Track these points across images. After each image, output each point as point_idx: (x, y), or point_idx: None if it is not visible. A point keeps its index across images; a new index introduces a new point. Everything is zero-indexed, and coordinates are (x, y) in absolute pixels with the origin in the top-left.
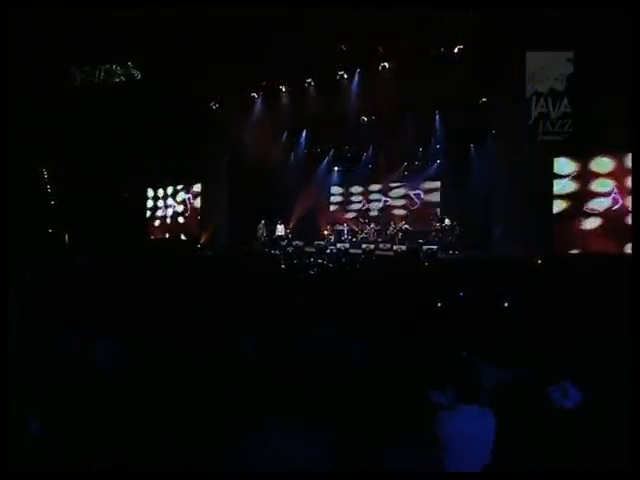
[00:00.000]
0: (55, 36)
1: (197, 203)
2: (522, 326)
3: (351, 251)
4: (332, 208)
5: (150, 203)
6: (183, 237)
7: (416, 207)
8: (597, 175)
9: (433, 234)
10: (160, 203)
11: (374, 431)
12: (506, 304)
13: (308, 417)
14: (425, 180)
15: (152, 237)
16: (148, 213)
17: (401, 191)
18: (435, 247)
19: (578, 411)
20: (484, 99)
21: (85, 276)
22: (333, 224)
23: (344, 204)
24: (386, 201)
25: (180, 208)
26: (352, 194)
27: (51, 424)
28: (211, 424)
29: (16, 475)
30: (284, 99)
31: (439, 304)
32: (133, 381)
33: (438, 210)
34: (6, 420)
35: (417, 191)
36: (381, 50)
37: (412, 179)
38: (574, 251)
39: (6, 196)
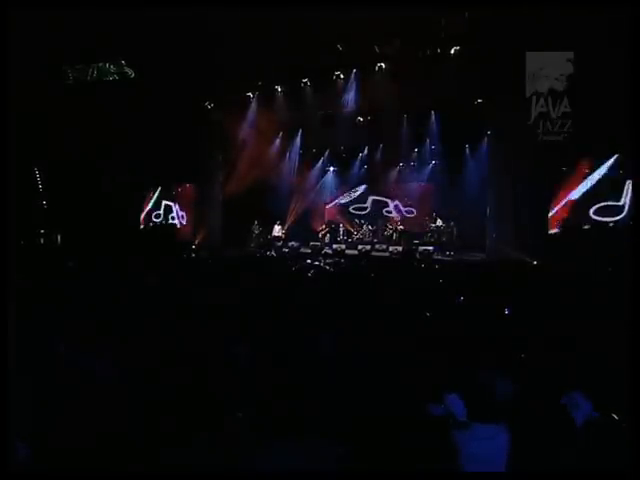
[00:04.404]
0: (48, 34)
1: (191, 204)
2: (522, 333)
3: (347, 252)
4: (327, 208)
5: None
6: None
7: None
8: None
9: (429, 235)
10: (153, 203)
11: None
12: (506, 311)
13: (310, 430)
14: (420, 181)
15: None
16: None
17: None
18: (431, 248)
19: (590, 424)
20: (480, 100)
21: (78, 282)
22: (329, 224)
23: (339, 204)
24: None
25: (174, 209)
26: (347, 194)
27: (40, 447)
28: (210, 435)
29: (16, 475)
30: (279, 99)
31: (438, 311)
32: (131, 394)
33: (434, 213)
34: (6, 419)
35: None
36: (377, 50)
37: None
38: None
39: (6, 198)
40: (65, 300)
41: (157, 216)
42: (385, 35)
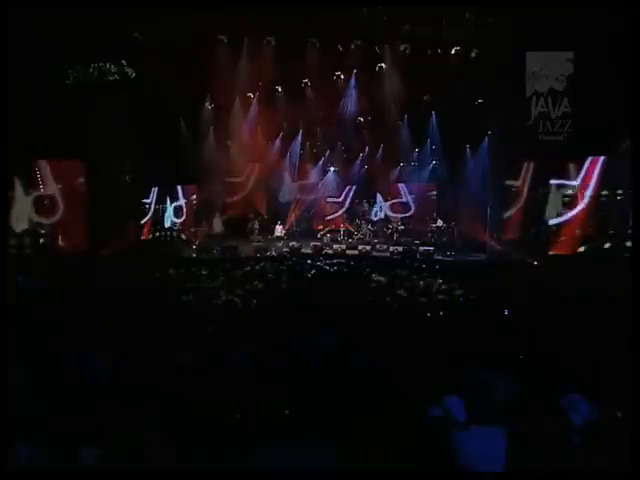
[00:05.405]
0: (48, 34)
1: (192, 203)
2: (522, 333)
3: (347, 252)
4: (328, 209)
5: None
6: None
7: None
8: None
9: (429, 235)
10: (154, 203)
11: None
12: (506, 312)
13: (310, 430)
14: (421, 181)
15: (145, 237)
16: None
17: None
18: (432, 248)
19: (590, 425)
20: (480, 100)
21: (78, 283)
22: (329, 225)
23: (340, 204)
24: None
25: (174, 208)
26: (348, 194)
27: (40, 447)
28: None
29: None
30: (280, 99)
31: (438, 311)
32: (131, 393)
33: (434, 213)
34: (6, 420)
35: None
36: (377, 50)
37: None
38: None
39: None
40: (65, 300)
41: (158, 215)
42: (385, 35)
